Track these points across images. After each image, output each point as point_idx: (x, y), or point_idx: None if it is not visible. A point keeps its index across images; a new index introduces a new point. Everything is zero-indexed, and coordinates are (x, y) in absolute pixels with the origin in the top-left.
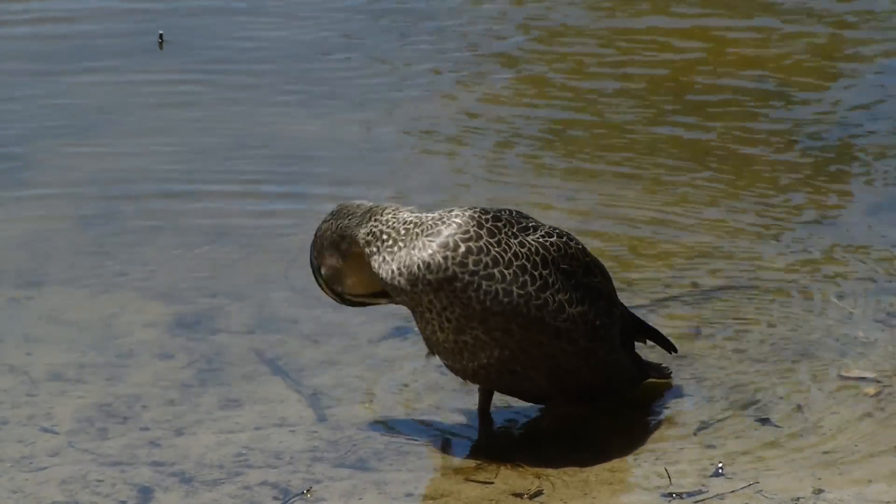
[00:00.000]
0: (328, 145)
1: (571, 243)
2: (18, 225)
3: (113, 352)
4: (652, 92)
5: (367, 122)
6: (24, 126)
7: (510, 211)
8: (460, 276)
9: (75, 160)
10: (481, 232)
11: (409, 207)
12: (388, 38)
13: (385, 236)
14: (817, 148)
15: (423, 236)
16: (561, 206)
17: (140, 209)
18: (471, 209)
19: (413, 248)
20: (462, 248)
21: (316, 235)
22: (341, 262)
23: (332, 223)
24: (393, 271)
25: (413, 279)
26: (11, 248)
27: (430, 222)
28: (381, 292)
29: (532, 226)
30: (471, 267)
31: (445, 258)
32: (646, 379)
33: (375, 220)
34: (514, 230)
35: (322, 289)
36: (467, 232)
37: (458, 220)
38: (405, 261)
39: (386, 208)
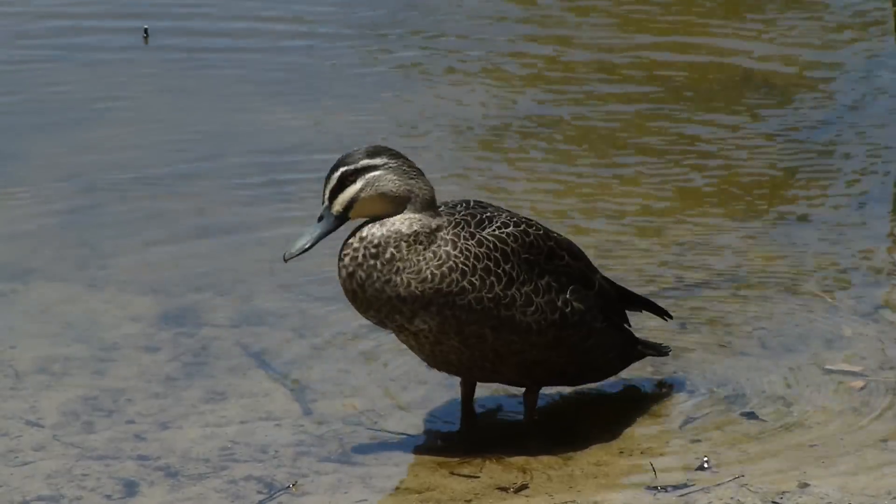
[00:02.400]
0: (313, 138)
1: (531, 230)
2: (4, 219)
3: (98, 345)
4: (635, 87)
5: (352, 115)
6: (10, 120)
7: (465, 203)
8: (435, 300)
9: (61, 154)
10: (448, 249)
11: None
12: (374, 32)
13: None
14: (802, 143)
15: (403, 272)
16: (544, 201)
17: (125, 203)
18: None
19: (390, 277)
20: (437, 275)
21: (382, 166)
22: (373, 195)
23: (415, 181)
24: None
25: (388, 308)
26: None
27: (406, 254)
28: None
29: (488, 217)
30: (444, 289)
31: (422, 292)
32: (641, 357)
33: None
34: (471, 228)
35: (328, 196)
36: (441, 259)
37: (432, 251)
38: (380, 289)
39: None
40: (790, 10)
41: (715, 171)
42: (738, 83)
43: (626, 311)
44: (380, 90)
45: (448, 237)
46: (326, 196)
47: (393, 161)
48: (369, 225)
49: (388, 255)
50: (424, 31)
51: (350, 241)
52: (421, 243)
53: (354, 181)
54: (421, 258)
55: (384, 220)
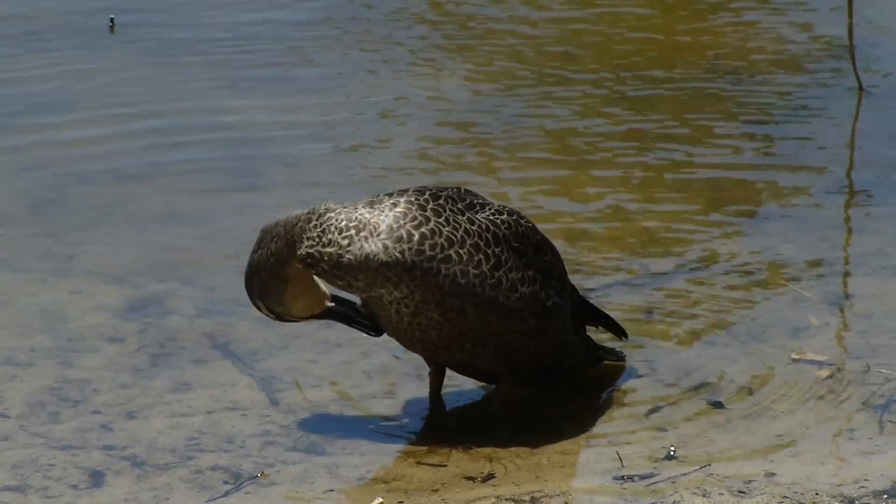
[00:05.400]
0: (280, 129)
1: (522, 221)
2: None
3: (64, 336)
4: (604, 77)
5: (320, 107)
6: None
7: (453, 189)
8: (419, 263)
9: (25, 144)
10: (427, 214)
11: (339, 207)
12: (344, 22)
13: (333, 246)
14: (770, 134)
15: (373, 236)
16: (513, 191)
17: (90, 193)
18: (407, 193)
19: (367, 249)
20: (416, 236)
21: (251, 267)
22: (283, 287)
23: (263, 252)
24: (355, 274)
25: (373, 278)
26: None
27: (374, 220)
28: (323, 311)
29: (479, 203)
30: (427, 252)
31: (402, 252)
32: (600, 362)
33: (315, 236)
34: (459, 206)
35: (264, 313)
36: (415, 219)
37: (399, 210)
38: (363, 264)
39: (321, 216)
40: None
41: (682, 161)
42: (707, 74)
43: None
44: (348, 79)
45: (427, 206)
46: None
47: (258, 286)
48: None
49: (345, 238)
50: (396, 19)
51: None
52: (378, 208)
53: (260, 309)
54: (389, 217)
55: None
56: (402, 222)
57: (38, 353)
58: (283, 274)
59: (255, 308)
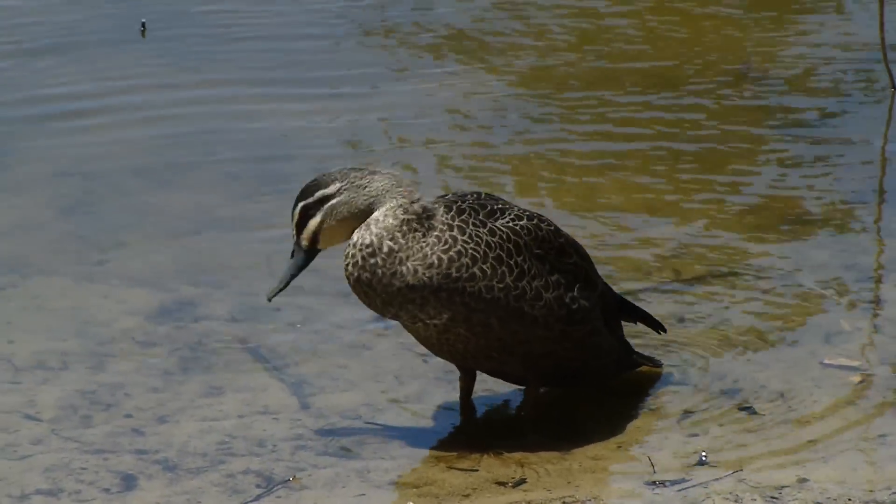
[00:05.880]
0: (310, 133)
1: (542, 225)
2: (1, 213)
3: (96, 340)
4: (634, 82)
5: (350, 111)
6: (7, 115)
7: (473, 195)
8: (445, 286)
9: (58, 148)
10: (455, 234)
11: (404, 203)
12: (373, 27)
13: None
14: (801, 136)
15: (407, 261)
16: (543, 196)
17: (123, 197)
18: (438, 212)
19: (395, 269)
20: (445, 261)
21: (323, 190)
22: (327, 222)
23: (345, 195)
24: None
25: (400, 301)
26: None
27: (407, 245)
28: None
29: (499, 208)
30: (454, 274)
31: (430, 277)
32: (635, 367)
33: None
34: (481, 217)
35: (293, 221)
36: (445, 242)
37: (433, 236)
38: (388, 283)
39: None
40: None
41: (714, 167)
42: (735, 76)
43: (622, 322)
44: (379, 83)
45: (454, 223)
46: (294, 231)
47: (345, 183)
48: (358, 231)
49: (385, 250)
50: (425, 23)
51: (347, 251)
52: (416, 230)
53: (314, 215)
54: (424, 244)
55: (367, 222)
56: (435, 249)
57: (70, 357)
58: (339, 219)
59: (294, 212)
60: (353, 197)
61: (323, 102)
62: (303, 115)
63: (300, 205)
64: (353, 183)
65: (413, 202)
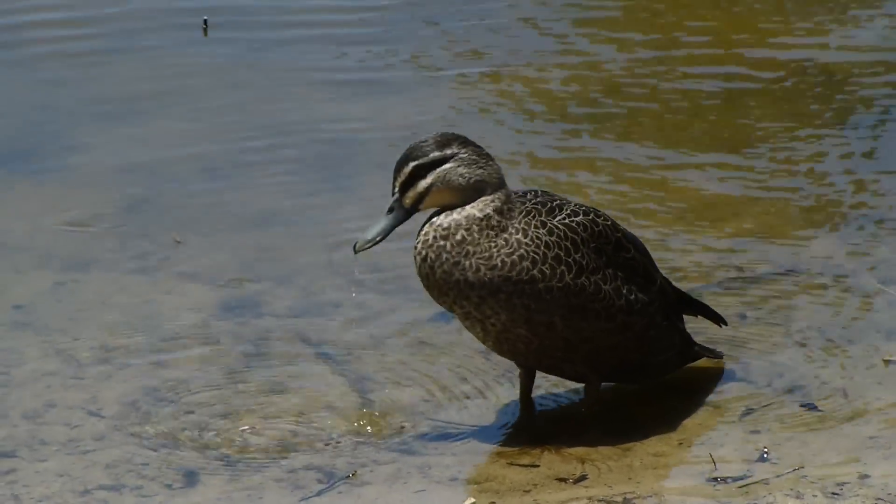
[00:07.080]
0: (372, 130)
1: (599, 220)
2: (63, 210)
3: (158, 336)
4: (693, 78)
5: (411, 108)
6: (71, 111)
7: (532, 192)
8: (504, 288)
9: (121, 145)
10: (519, 237)
11: (497, 203)
12: (432, 26)
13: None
14: (863, 133)
15: (472, 256)
16: (603, 193)
17: (185, 193)
18: (515, 216)
19: (459, 260)
20: (508, 263)
21: (444, 152)
22: (437, 189)
23: (473, 168)
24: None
25: (455, 292)
26: (57, 233)
27: (478, 238)
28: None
29: (557, 204)
30: (514, 277)
31: (491, 279)
32: (697, 358)
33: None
34: (542, 218)
35: (396, 182)
36: (512, 247)
37: (504, 237)
38: (449, 271)
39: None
40: (853, 4)
41: (775, 164)
42: (798, 73)
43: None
44: (440, 81)
45: (519, 226)
46: (397, 188)
47: (463, 151)
48: (443, 214)
49: (458, 237)
50: (484, 17)
51: (424, 228)
52: (493, 228)
53: (425, 176)
54: (492, 244)
55: (459, 208)
56: (501, 251)
57: (133, 353)
58: (450, 186)
59: (402, 171)
60: (467, 171)
61: (388, 99)
62: (367, 112)
63: (412, 165)
64: (470, 156)
65: (505, 203)
